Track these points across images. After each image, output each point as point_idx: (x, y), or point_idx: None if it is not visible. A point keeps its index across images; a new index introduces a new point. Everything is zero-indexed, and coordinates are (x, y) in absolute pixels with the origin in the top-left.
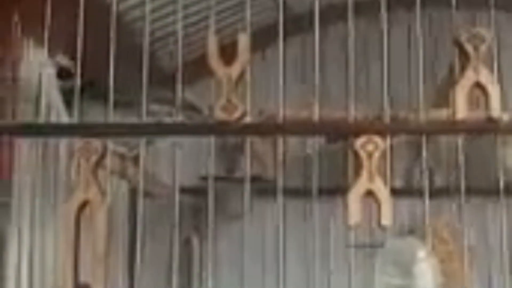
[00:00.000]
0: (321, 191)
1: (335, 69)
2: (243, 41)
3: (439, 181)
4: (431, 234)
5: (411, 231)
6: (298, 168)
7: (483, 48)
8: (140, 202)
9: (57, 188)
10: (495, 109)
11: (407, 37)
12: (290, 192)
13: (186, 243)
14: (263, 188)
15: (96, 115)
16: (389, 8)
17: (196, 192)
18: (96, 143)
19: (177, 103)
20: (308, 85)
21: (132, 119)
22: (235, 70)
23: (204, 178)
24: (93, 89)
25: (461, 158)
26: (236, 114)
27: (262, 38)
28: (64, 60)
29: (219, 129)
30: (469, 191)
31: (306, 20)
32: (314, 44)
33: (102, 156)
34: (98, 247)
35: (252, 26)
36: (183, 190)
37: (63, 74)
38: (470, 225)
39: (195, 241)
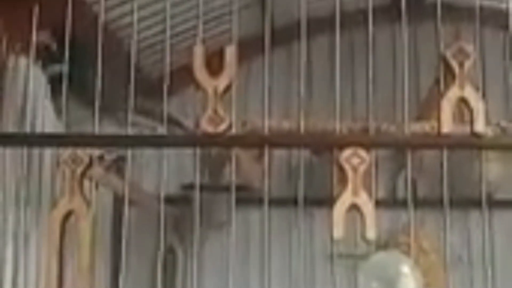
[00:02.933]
0: (305, 202)
1: (321, 81)
2: (230, 53)
3: (421, 193)
4: (412, 246)
5: (387, 243)
6: (283, 179)
7: (468, 63)
8: (126, 212)
9: (41, 198)
10: (480, 124)
11: (392, 51)
12: (274, 202)
13: (169, 252)
14: (248, 197)
15: (84, 122)
16: (374, 22)
17: (179, 201)
18: (82, 153)
19: (164, 117)
20: (293, 96)
21: (116, 130)
22: (221, 82)
23: (187, 187)
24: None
25: (445, 171)
26: (222, 126)
27: (247, 50)
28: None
29: (205, 141)
30: (452, 203)
31: (292, 32)
32: (299, 56)
33: (88, 166)
34: (83, 256)
35: (237, 37)
36: (165, 199)
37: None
38: (453, 235)
39: (178, 250)
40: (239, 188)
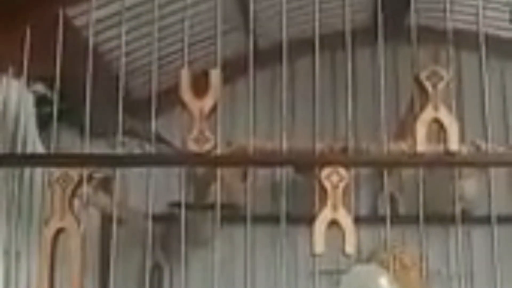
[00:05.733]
0: (289, 220)
1: (304, 102)
2: (215, 76)
3: (403, 210)
4: (392, 261)
5: (369, 258)
6: (267, 197)
7: (441, 86)
8: (114, 231)
9: (31, 217)
10: (453, 144)
11: (372, 71)
12: (259, 220)
13: (156, 269)
14: (233, 215)
15: (70, 143)
16: (355, 44)
17: (165, 219)
18: (73, 172)
19: (152, 136)
20: (277, 117)
21: (103, 149)
22: (207, 104)
23: (173, 205)
24: (69, 117)
25: (421, 188)
26: (208, 146)
27: (232, 71)
28: (41, 88)
29: (192, 160)
30: (432, 219)
31: (275, 54)
32: (282, 76)
33: (78, 185)
34: (74, 274)
35: (222, 59)
36: (153, 217)
37: (40, 102)
38: (432, 252)
39: (165, 266)
40: (224, 206)
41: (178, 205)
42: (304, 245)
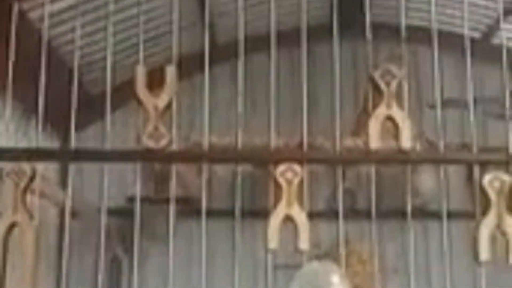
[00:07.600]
0: (247, 214)
1: (264, 98)
2: (171, 72)
3: (361, 205)
4: (351, 255)
5: (327, 254)
6: (226, 191)
7: (394, 84)
8: (67, 226)
9: None
10: (405, 141)
11: (329, 68)
12: (217, 214)
13: (115, 261)
14: (191, 209)
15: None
16: (314, 40)
17: (123, 212)
18: (26, 166)
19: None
20: (234, 112)
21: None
22: (162, 100)
23: (131, 199)
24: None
25: (373, 184)
26: (163, 142)
27: (191, 66)
28: None
29: (146, 156)
30: (389, 214)
31: (235, 49)
32: (237, 73)
33: (31, 179)
34: (27, 267)
35: (179, 54)
36: (110, 211)
37: None
38: (390, 246)
39: (124, 259)
40: (182, 201)
41: (136, 199)
42: (262, 239)
